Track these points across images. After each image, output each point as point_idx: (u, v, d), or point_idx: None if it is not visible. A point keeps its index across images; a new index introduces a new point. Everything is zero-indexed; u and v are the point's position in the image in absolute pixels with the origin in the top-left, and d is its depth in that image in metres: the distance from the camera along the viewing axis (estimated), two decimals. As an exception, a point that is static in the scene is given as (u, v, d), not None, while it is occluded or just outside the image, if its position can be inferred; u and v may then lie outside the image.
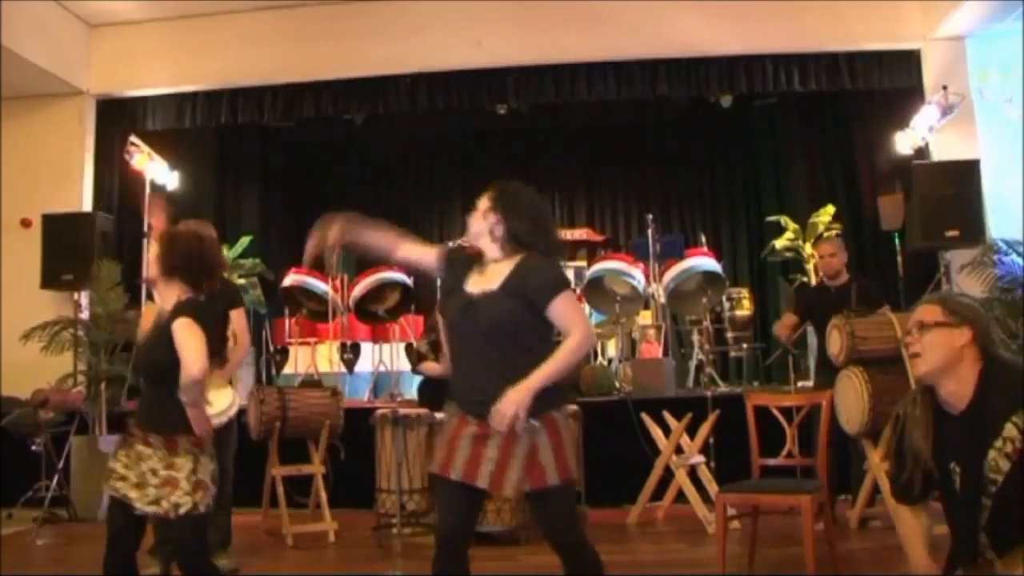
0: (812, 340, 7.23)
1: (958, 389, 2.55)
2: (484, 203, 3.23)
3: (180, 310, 3.28)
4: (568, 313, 3.09)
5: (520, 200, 3.23)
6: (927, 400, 2.63)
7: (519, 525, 5.67)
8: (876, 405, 5.04)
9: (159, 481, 3.23)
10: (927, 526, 2.67)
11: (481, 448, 3.00)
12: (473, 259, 3.26)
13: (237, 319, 5.22)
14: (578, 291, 9.16)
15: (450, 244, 8.84)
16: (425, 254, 3.45)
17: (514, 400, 2.91)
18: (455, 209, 12.82)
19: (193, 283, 3.42)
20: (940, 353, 2.55)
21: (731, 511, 4.66)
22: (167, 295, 3.39)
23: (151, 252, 3.47)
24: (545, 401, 3.00)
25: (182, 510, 3.22)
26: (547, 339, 3.18)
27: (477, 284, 3.16)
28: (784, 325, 6.43)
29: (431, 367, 6.36)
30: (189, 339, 3.21)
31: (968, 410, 2.53)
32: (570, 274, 9.34)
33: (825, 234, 8.63)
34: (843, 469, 6.07)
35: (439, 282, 3.53)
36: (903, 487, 2.65)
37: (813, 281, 8.64)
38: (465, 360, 3.15)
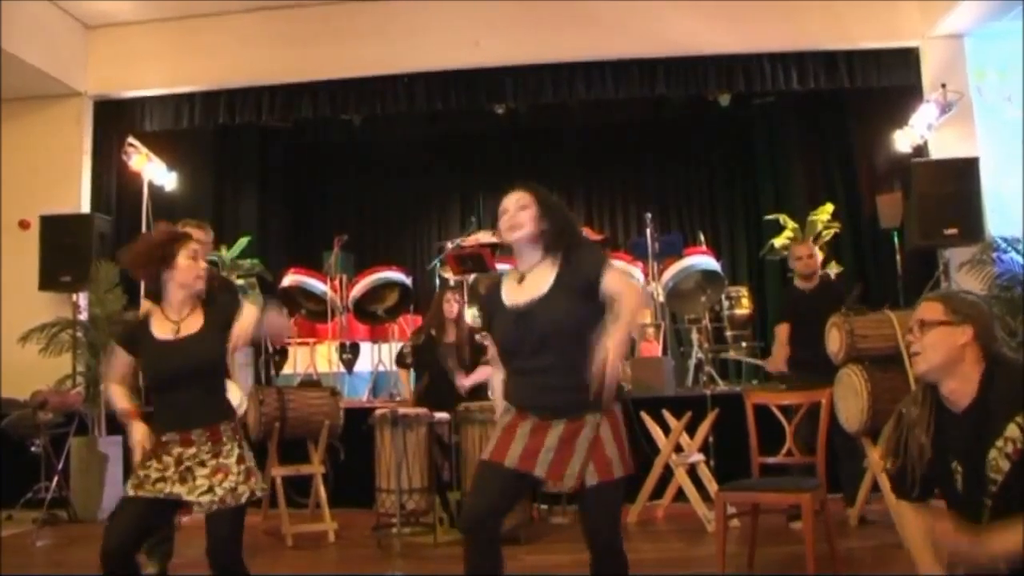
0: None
1: (960, 387, 2.54)
2: (528, 205, 3.16)
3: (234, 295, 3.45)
4: (619, 282, 3.05)
5: (552, 201, 3.21)
6: (929, 398, 2.62)
7: (519, 524, 5.68)
8: (876, 403, 5.03)
9: (208, 471, 3.22)
10: (930, 525, 2.66)
11: (541, 438, 2.98)
12: (497, 281, 3.25)
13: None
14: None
15: (449, 244, 8.87)
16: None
17: (614, 348, 2.85)
18: (454, 209, 12.83)
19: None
20: (941, 352, 2.54)
21: (731, 510, 4.65)
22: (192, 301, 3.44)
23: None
24: (605, 394, 2.96)
25: (243, 497, 3.23)
26: (599, 311, 3.12)
27: (520, 295, 3.11)
28: (778, 357, 6.35)
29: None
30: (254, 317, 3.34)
31: (970, 408, 2.52)
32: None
33: (828, 236, 8.64)
34: (831, 468, 6.07)
35: (480, 316, 3.51)
36: (904, 485, 2.65)
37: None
38: (525, 371, 3.07)
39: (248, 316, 3.31)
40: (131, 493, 3.23)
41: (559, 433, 2.97)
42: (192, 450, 3.24)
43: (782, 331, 6.27)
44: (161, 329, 3.35)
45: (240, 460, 3.28)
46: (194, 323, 3.36)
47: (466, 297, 8.26)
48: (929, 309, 2.61)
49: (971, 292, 2.71)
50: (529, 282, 3.12)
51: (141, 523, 3.24)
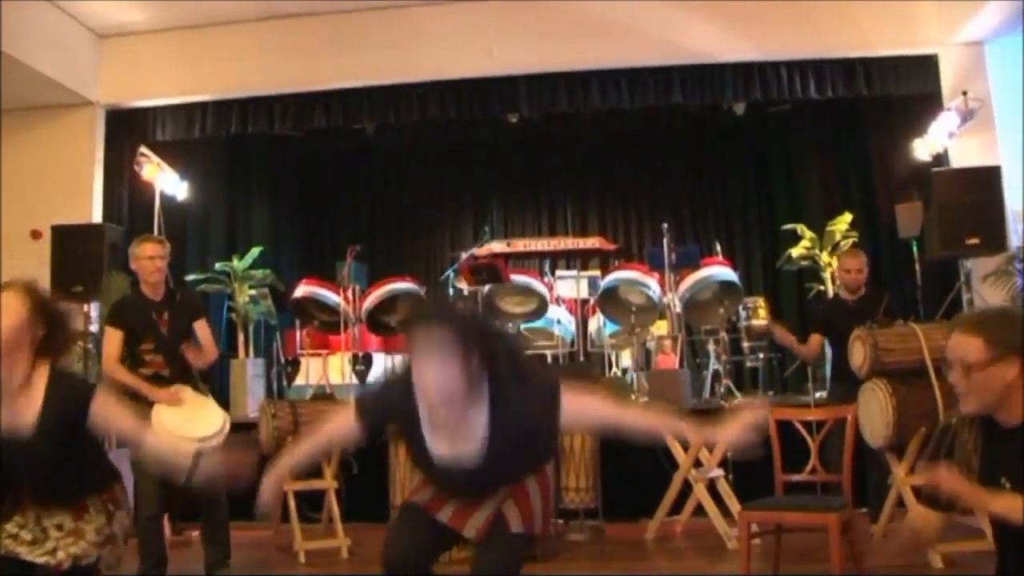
0: (828, 351, 7.09)
1: (1011, 410, 2.45)
2: (454, 361, 2.61)
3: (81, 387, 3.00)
4: (581, 398, 2.78)
5: (478, 331, 2.70)
6: (978, 417, 2.53)
7: (536, 541, 5.58)
8: (900, 418, 4.94)
9: (62, 533, 2.87)
10: (939, 525, 2.56)
11: (477, 506, 2.88)
12: (405, 395, 2.74)
13: (202, 330, 5.19)
14: (592, 301, 9.11)
15: (463, 255, 8.78)
16: (337, 429, 3.05)
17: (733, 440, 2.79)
18: (467, 219, 12.75)
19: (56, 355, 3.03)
20: (989, 392, 2.44)
21: (754, 528, 4.55)
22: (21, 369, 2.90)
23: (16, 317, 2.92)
24: (543, 460, 2.91)
25: (84, 561, 2.87)
26: (550, 445, 3.05)
27: (445, 442, 2.74)
28: (812, 347, 6.28)
29: None
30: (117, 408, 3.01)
31: (1022, 425, 2.42)
32: (584, 284, 9.29)
33: (846, 246, 8.52)
34: (860, 482, 5.96)
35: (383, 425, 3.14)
36: (938, 496, 2.53)
37: (830, 290, 8.53)
38: (456, 494, 2.91)
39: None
40: None
41: (500, 496, 2.88)
42: (55, 516, 2.90)
43: (815, 342, 6.17)
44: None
45: (105, 526, 2.94)
46: (30, 405, 2.83)
47: (482, 307, 8.18)
48: (970, 347, 2.46)
49: (1002, 309, 2.60)
50: (454, 430, 2.73)
51: None
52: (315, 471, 6.18)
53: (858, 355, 5.23)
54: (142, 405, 4.69)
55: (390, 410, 2.86)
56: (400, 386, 2.76)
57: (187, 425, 4.64)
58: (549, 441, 2.87)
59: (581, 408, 2.76)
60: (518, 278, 8.75)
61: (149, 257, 5.14)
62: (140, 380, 4.86)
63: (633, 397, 7.56)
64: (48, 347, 2.96)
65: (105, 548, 2.95)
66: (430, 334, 2.62)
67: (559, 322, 9.02)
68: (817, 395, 7.48)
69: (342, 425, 2.95)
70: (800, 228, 9.26)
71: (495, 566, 2.83)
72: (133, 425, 3.02)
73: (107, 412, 2.91)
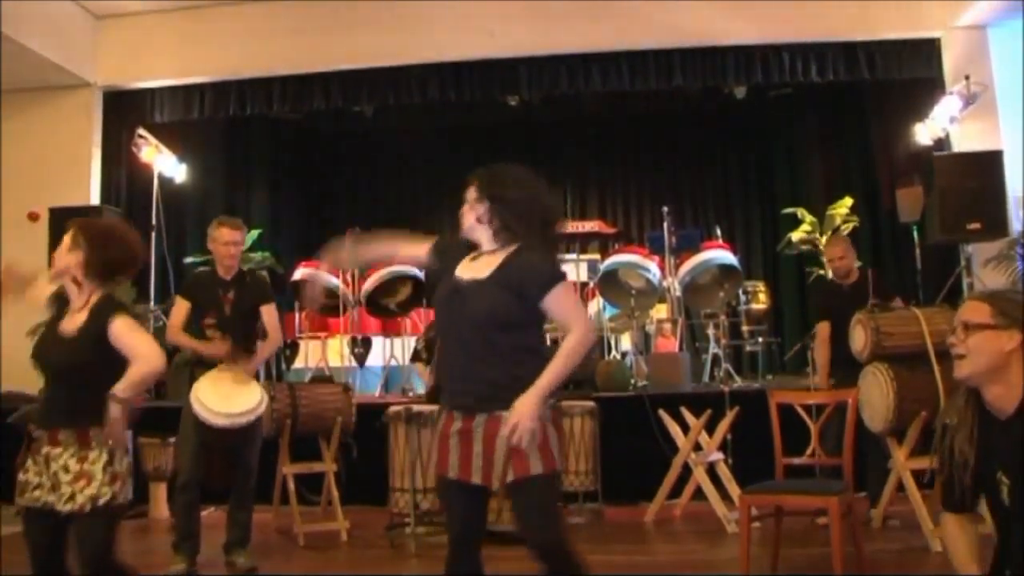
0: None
1: (1004, 392, 2.41)
2: (472, 193, 3.10)
3: (115, 308, 3.23)
4: (566, 307, 2.99)
5: (507, 185, 3.10)
6: (972, 404, 2.50)
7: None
8: (901, 402, 4.93)
9: (71, 477, 3.07)
10: (973, 535, 2.54)
11: (469, 443, 2.91)
12: (469, 247, 3.15)
13: (268, 315, 5.22)
14: (592, 284, 9.08)
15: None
16: (418, 249, 3.36)
17: (525, 412, 2.80)
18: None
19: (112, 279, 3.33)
20: (986, 356, 2.41)
21: (754, 512, 4.54)
22: (80, 292, 3.29)
23: (72, 250, 3.28)
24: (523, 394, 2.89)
25: (101, 501, 3.06)
26: (537, 333, 3.13)
27: (467, 271, 3.05)
28: (822, 371, 6.13)
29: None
30: (142, 333, 3.26)
31: (1016, 415, 2.40)
32: (583, 267, 9.26)
33: (841, 228, 8.52)
34: (860, 466, 5.96)
35: (430, 274, 3.45)
36: (952, 497, 2.52)
37: (831, 273, 8.53)
38: (452, 350, 3.05)
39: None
40: (19, 501, 3.17)
41: (482, 434, 2.90)
42: (59, 449, 3.10)
43: (824, 329, 6.06)
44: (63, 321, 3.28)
45: (108, 464, 3.11)
46: (80, 319, 3.23)
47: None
48: (975, 310, 2.48)
49: (1019, 292, 2.58)
50: (480, 263, 3.05)
51: (47, 539, 3.16)
52: (314, 454, 6.18)
53: (859, 339, 5.21)
54: (200, 371, 4.95)
55: (450, 256, 3.16)
56: (456, 247, 3.18)
57: (222, 401, 4.77)
58: (537, 311, 2.97)
59: (559, 303, 2.98)
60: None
61: (225, 243, 5.20)
62: (195, 341, 5.04)
63: (632, 382, 7.54)
64: (96, 268, 3.25)
65: (115, 484, 3.11)
66: (471, 181, 3.17)
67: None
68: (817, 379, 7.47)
69: (417, 249, 3.37)
70: (800, 212, 9.25)
71: (533, 516, 2.92)
72: (144, 349, 3.24)
73: (121, 329, 3.17)
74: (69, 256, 3.26)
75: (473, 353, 2.93)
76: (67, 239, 3.29)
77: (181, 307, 5.14)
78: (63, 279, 3.31)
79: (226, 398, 4.82)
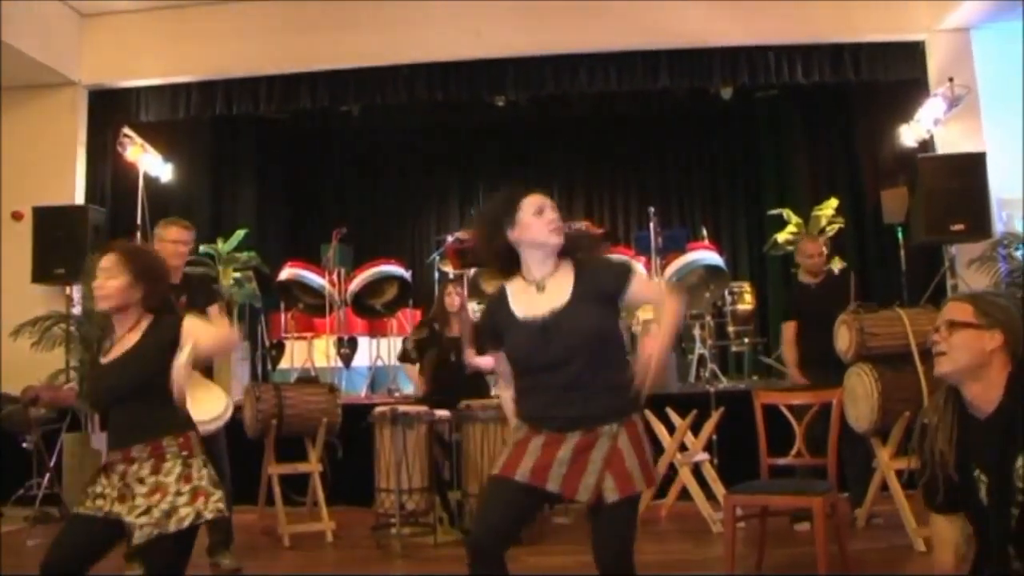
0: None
1: (984, 392, 2.43)
2: (554, 214, 2.98)
3: (176, 315, 3.18)
4: (651, 287, 3.11)
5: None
6: (951, 403, 2.51)
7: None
8: (885, 403, 4.96)
9: (147, 489, 2.95)
10: (960, 536, 2.55)
11: (553, 451, 2.82)
12: (500, 297, 3.06)
13: (216, 315, 5.17)
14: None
15: (449, 237, 8.79)
16: (500, 357, 3.14)
17: (659, 347, 2.86)
18: (453, 202, 12.74)
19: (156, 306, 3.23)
20: (967, 355, 2.43)
21: (739, 512, 4.56)
22: (129, 317, 3.18)
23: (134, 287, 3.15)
24: (624, 401, 2.87)
25: (185, 522, 2.91)
26: (623, 344, 3.14)
27: (537, 306, 2.93)
28: (793, 368, 6.17)
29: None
30: (207, 326, 3.25)
31: (995, 415, 2.41)
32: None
33: (832, 231, 8.57)
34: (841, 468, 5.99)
35: (482, 327, 3.31)
36: (934, 496, 2.54)
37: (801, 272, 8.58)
38: (544, 387, 2.89)
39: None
40: (77, 510, 3.07)
41: (573, 445, 2.82)
42: (134, 467, 2.99)
43: (789, 329, 6.14)
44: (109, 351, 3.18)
45: (183, 479, 2.98)
46: (132, 339, 3.14)
47: (467, 290, 8.16)
48: (958, 310, 2.49)
49: (1001, 294, 2.60)
50: (546, 293, 2.95)
51: (84, 543, 3.00)
52: (300, 455, 6.17)
53: (844, 339, 5.24)
54: None
55: (494, 321, 3.07)
56: (494, 301, 3.11)
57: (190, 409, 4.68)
58: (617, 313, 3.03)
59: (644, 285, 3.11)
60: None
61: (173, 241, 5.11)
62: None
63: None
64: (151, 302, 3.19)
65: (197, 500, 2.97)
66: (541, 193, 3.03)
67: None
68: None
69: (498, 360, 3.16)
70: (786, 213, 9.27)
71: (618, 535, 2.88)
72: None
73: (194, 327, 3.13)
74: (131, 292, 3.13)
75: (568, 381, 2.84)
76: (125, 276, 3.14)
77: None
78: (114, 312, 3.18)
79: (192, 405, 4.74)
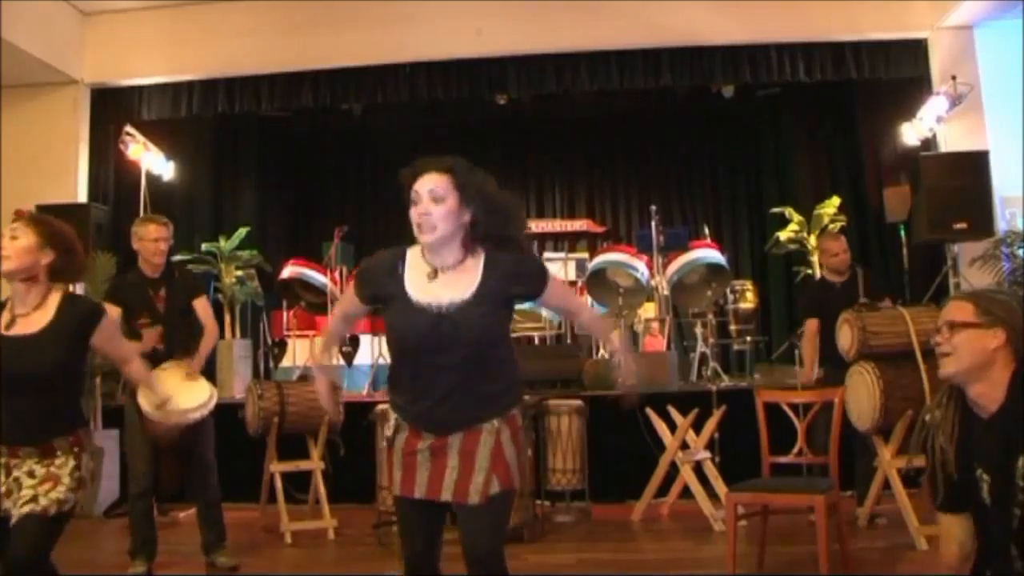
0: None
1: (987, 391, 2.42)
2: (448, 197, 2.74)
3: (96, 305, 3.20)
4: (566, 293, 3.02)
5: (478, 184, 2.80)
6: (954, 401, 2.51)
7: (523, 523, 5.59)
8: (887, 401, 4.96)
9: (36, 480, 2.91)
10: (966, 534, 2.53)
11: (443, 460, 2.74)
12: (393, 261, 2.84)
13: (202, 308, 5.18)
14: (580, 283, 9.09)
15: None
16: (351, 305, 3.02)
17: (633, 370, 2.95)
18: (454, 200, 12.72)
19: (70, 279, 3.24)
20: (970, 355, 2.42)
21: (741, 510, 4.56)
22: (37, 290, 3.09)
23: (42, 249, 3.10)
24: (509, 398, 2.82)
25: (66, 507, 2.91)
26: (511, 347, 3.00)
27: (435, 293, 2.75)
28: (808, 366, 6.18)
29: None
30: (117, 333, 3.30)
31: (998, 414, 2.40)
32: (571, 266, 9.28)
33: (829, 228, 8.54)
34: (846, 465, 5.97)
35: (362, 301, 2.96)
36: (939, 496, 2.53)
37: (817, 274, 8.55)
38: (429, 379, 2.75)
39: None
40: None
41: (458, 448, 2.74)
42: (20, 460, 2.95)
43: (812, 326, 6.07)
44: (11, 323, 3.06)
45: (76, 470, 2.97)
46: (42, 317, 3.03)
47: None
48: (959, 309, 2.49)
49: (1002, 291, 2.59)
50: (446, 281, 2.77)
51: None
52: (302, 452, 6.17)
53: (846, 338, 5.23)
54: None
55: (382, 273, 2.85)
56: (390, 256, 2.87)
57: (173, 398, 4.63)
58: (511, 313, 2.91)
59: (560, 290, 2.99)
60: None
61: (153, 239, 5.12)
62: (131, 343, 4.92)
63: (620, 380, 7.52)
64: (59, 272, 3.13)
65: (79, 491, 3.00)
66: (433, 170, 2.82)
67: (546, 304, 8.98)
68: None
69: (349, 298, 3.04)
70: (788, 211, 9.26)
71: (481, 534, 2.76)
72: (129, 348, 3.36)
73: (111, 332, 3.18)
74: (36, 255, 3.08)
75: (466, 376, 2.73)
76: (31, 237, 3.10)
77: (112, 313, 4.87)
78: (17, 276, 3.09)
79: (176, 394, 4.73)
